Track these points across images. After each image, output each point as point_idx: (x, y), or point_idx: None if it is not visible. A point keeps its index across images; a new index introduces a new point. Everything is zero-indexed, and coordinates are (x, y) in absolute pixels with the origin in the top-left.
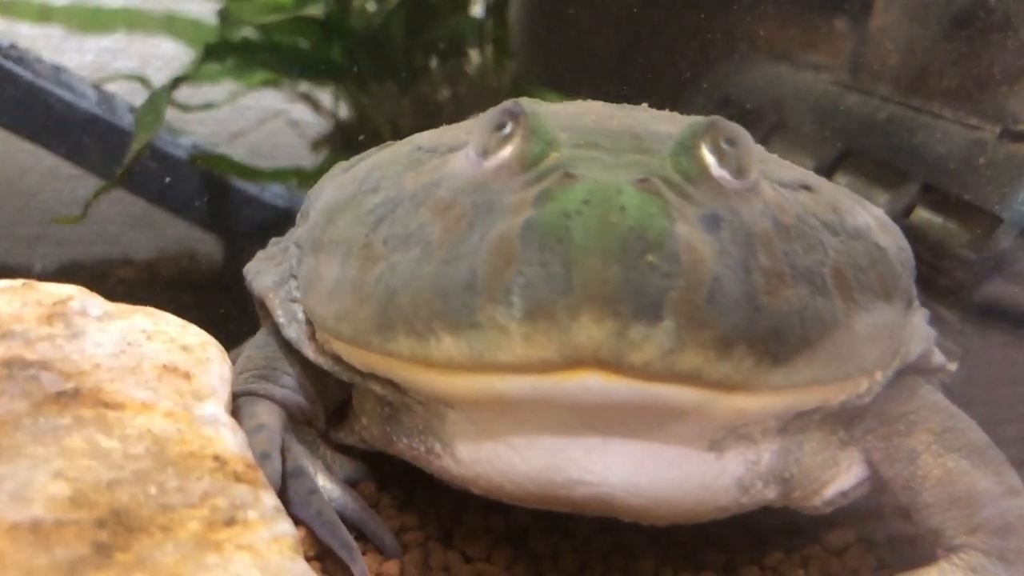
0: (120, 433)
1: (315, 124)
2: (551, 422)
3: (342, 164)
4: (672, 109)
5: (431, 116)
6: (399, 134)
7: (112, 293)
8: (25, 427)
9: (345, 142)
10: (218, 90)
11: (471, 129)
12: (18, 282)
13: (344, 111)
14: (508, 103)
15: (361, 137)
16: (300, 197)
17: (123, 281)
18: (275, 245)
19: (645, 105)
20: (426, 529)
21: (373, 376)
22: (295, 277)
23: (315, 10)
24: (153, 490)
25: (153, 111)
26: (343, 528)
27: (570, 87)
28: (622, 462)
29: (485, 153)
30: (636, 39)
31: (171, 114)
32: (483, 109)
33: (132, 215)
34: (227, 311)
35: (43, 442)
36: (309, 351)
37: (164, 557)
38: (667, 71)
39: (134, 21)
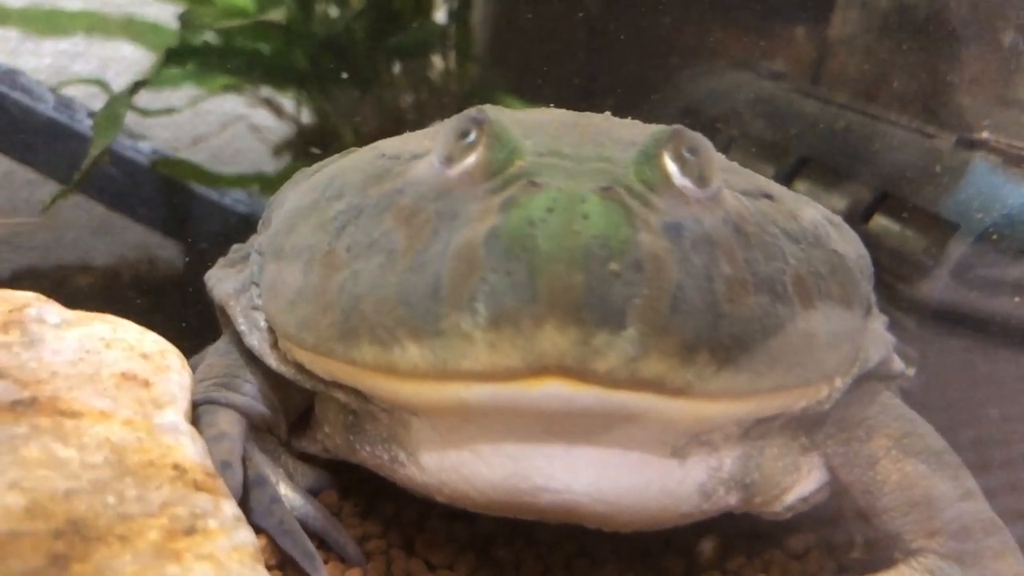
0: (78, 442)
1: (277, 129)
2: (515, 430)
3: (305, 170)
4: (635, 117)
5: (394, 121)
6: (361, 139)
7: (71, 300)
8: None
9: (307, 147)
10: (179, 95)
11: (435, 136)
12: None
13: (306, 116)
14: (472, 110)
15: (323, 142)
16: (261, 203)
17: (82, 288)
18: (236, 252)
19: (608, 113)
20: (389, 537)
21: (336, 384)
22: (256, 284)
23: (277, 15)
24: (111, 499)
25: (112, 116)
26: (305, 537)
27: (533, 94)
28: (586, 469)
29: (449, 161)
30: (599, 47)
31: (132, 119)
32: (446, 115)
33: (91, 222)
34: (187, 318)
35: None
36: (271, 360)
37: (123, 567)
38: (630, 79)
39: (93, 24)
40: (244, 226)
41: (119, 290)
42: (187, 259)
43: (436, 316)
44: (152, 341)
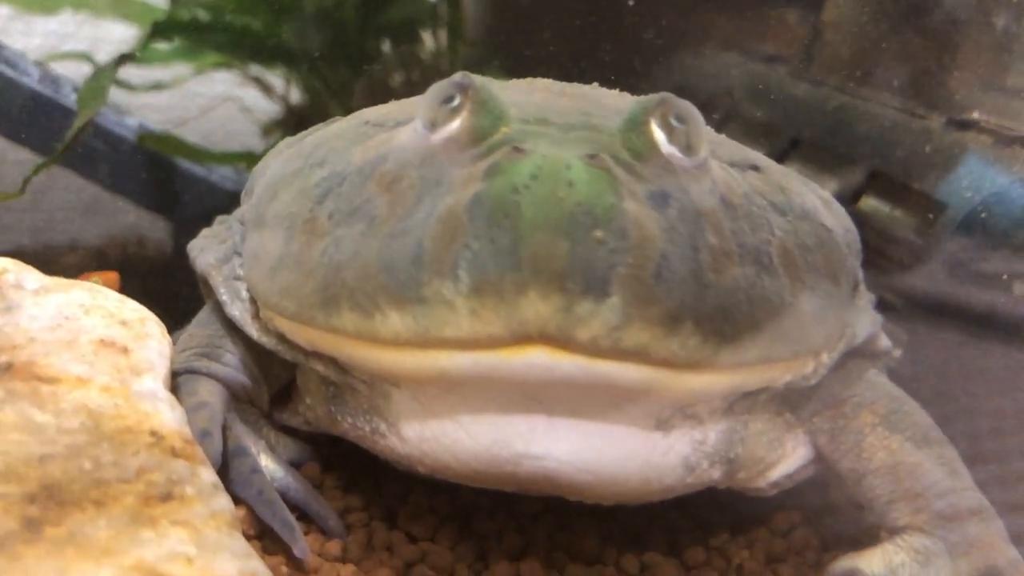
0: (54, 407)
1: (267, 109)
2: (497, 399)
3: (289, 140)
4: None
5: (383, 100)
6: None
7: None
8: None
9: (296, 126)
10: (167, 72)
11: (419, 103)
12: None
13: (295, 96)
14: (457, 76)
15: (312, 122)
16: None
17: (70, 267)
18: (220, 224)
19: (595, 84)
20: (370, 510)
21: (317, 355)
22: (239, 254)
23: None
24: (87, 465)
25: (97, 88)
26: (284, 507)
27: (523, 74)
28: (568, 438)
29: (433, 126)
30: (590, 26)
31: (121, 98)
32: None
33: (80, 201)
34: (175, 295)
35: None
36: (252, 330)
37: (97, 532)
38: (621, 59)
39: (81, 2)
40: (232, 203)
41: (106, 269)
42: (175, 237)
43: (418, 283)
44: (132, 309)
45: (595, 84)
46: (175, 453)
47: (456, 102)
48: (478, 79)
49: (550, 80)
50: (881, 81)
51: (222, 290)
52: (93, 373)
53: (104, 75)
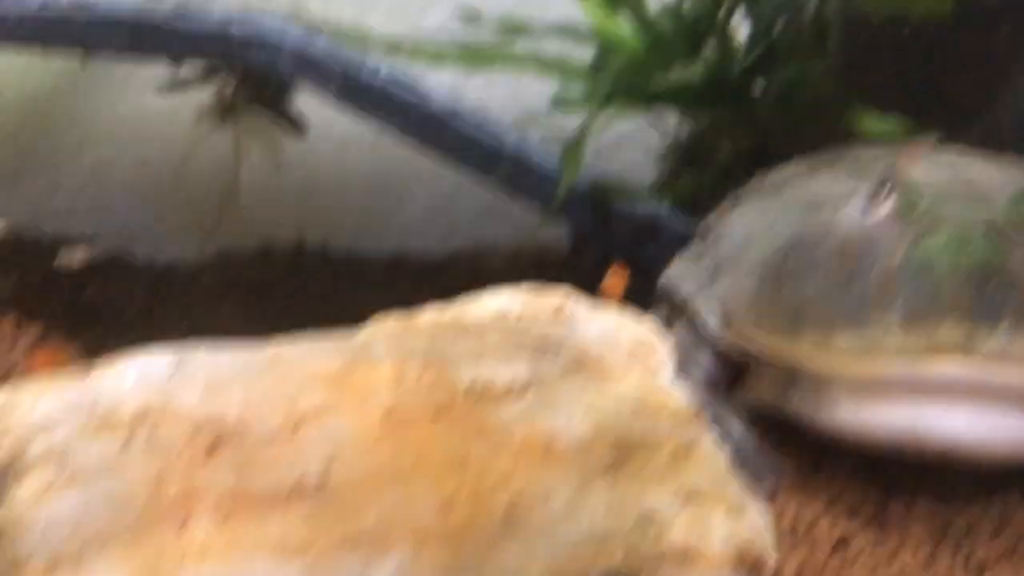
0: (613, 391)
1: (656, 143)
2: (914, 392)
3: (735, 193)
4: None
5: (762, 136)
6: (735, 153)
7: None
8: (558, 384)
9: (683, 159)
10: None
11: (847, 175)
12: (523, 289)
13: (684, 130)
14: (885, 169)
15: (698, 153)
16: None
17: (487, 269)
18: (683, 260)
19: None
20: (800, 460)
21: (778, 358)
22: (708, 286)
23: (689, 72)
24: (639, 428)
25: (576, 153)
26: (756, 461)
27: (880, 107)
28: (967, 419)
29: (868, 211)
30: (941, 55)
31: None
32: (810, 130)
33: (480, 207)
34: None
35: (570, 395)
36: (723, 340)
37: (653, 469)
38: (954, 89)
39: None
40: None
41: (518, 270)
42: (571, 246)
43: (864, 314)
44: (645, 328)
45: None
46: (689, 422)
47: (886, 191)
48: (900, 172)
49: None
50: None
51: (702, 312)
52: (630, 370)
53: (581, 143)
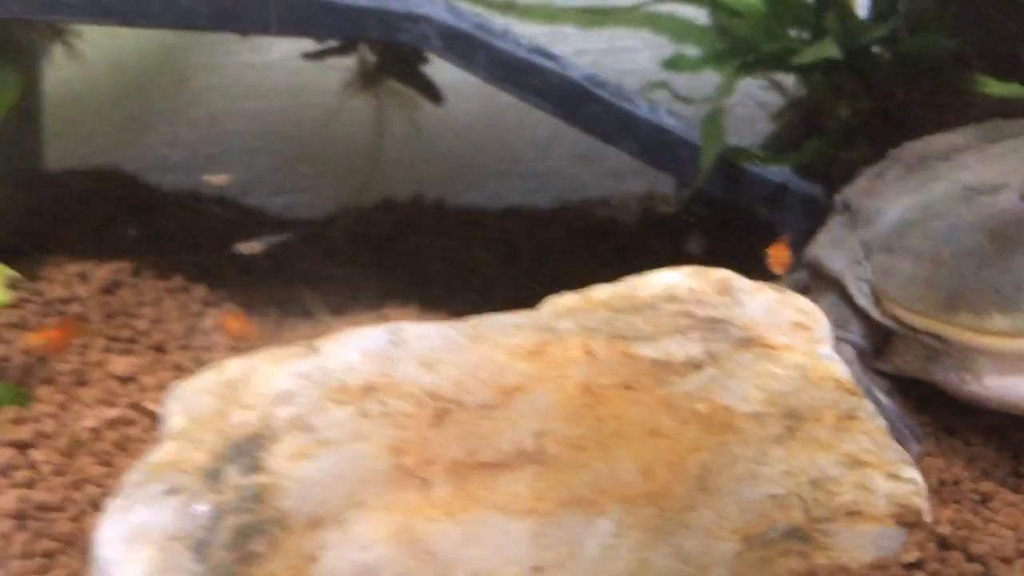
0: (780, 364)
1: (773, 100)
2: None
3: (873, 169)
4: None
5: (881, 101)
6: (853, 116)
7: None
8: (730, 359)
9: (801, 118)
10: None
11: (995, 158)
12: (690, 268)
13: (801, 91)
14: None
15: (814, 114)
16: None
17: (595, 217)
18: (830, 232)
19: None
20: (935, 425)
21: (928, 334)
22: (858, 263)
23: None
24: (806, 398)
25: (716, 127)
26: (903, 426)
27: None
28: None
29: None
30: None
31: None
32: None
33: (576, 152)
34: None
35: (743, 369)
36: (875, 314)
37: (820, 435)
38: None
39: (623, 19)
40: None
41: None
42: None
43: (1019, 300)
44: (803, 301)
45: None
46: (849, 391)
47: None
48: None
49: None
50: None
51: (853, 288)
52: (794, 343)
53: (718, 116)
